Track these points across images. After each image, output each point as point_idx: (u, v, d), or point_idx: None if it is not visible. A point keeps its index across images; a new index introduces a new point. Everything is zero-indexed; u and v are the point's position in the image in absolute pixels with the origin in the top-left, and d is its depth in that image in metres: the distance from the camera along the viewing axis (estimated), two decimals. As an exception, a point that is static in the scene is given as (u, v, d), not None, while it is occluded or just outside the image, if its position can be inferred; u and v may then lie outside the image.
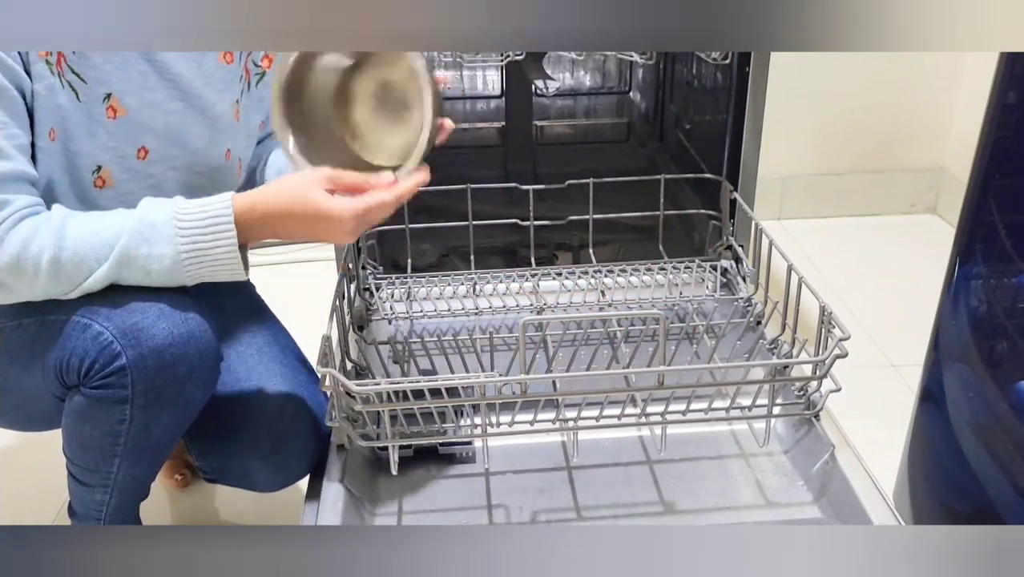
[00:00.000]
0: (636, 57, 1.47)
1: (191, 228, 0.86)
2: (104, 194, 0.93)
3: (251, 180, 1.20)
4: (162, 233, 0.85)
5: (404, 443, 1.04)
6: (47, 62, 0.85)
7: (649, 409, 1.03)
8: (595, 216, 1.40)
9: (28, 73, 0.85)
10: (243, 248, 0.89)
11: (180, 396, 0.90)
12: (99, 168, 0.92)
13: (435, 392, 0.98)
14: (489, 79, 1.97)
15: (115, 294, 0.87)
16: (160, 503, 1.32)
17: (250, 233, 0.88)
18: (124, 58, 0.91)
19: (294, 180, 0.90)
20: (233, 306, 1.14)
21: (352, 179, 0.91)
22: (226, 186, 1.05)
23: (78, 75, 0.88)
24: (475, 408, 1.02)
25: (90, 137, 0.90)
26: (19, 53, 0.84)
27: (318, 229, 0.89)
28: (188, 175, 0.99)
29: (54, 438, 0.97)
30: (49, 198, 0.89)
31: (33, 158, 0.87)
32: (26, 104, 0.85)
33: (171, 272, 0.87)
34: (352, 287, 1.30)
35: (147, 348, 0.85)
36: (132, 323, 0.85)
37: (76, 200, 0.91)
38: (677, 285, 1.41)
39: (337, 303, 1.09)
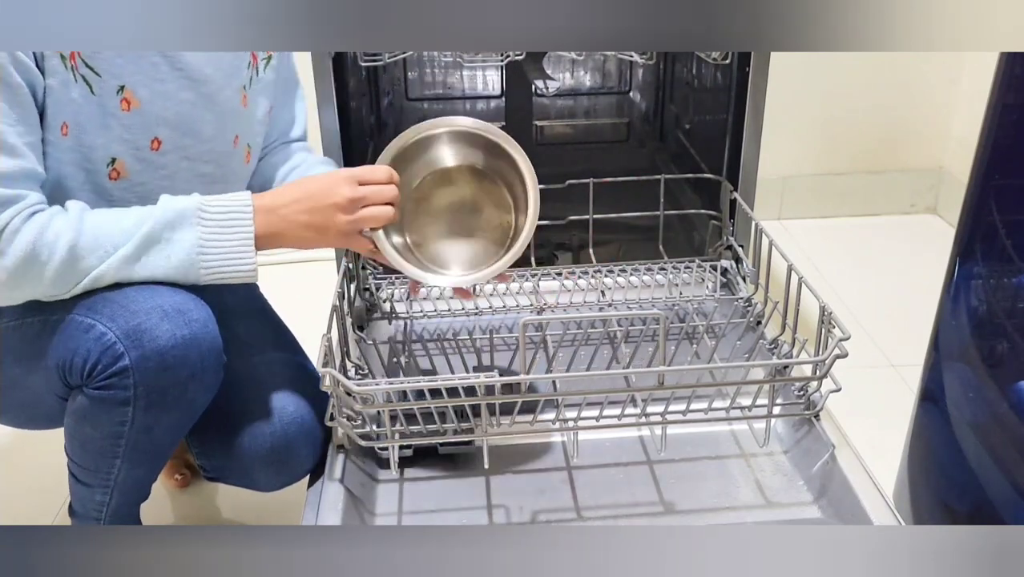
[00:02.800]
0: (636, 57, 1.46)
1: (213, 216, 0.90)
2: (118, 185, 0.93)
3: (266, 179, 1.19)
4: (186, 220, 0.89)
5: (404, 443, 1.04)
6: (61, 57, 0.86)
7: (649, 409, 1.03)
8: (595, 216, 1.40)
9: (41, 69, 0.85)
10: (258, 239, 0.93)
11: (182, 398, 0.91)
12: (113, 160, 0.92)
13: (435, 392, 0.98)
14: (489, 79, 1.97)
15: (119, 295, 0.88)
16: (160, 503, 1.32)
17: (267, 222, 0.94)
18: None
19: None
20: (236, 304, 1.14)
21: (377, 176, 0.99)
22: (235, 173, 1.05)
23: (92, 69, 0.88)
24: (475, 408, 1.02)
25: (104, 130, 0.91)
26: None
27: (316, 195, 0.95)
28: (199, 164, 1.00)
29: (55, 437, 0.97)
30: (61, 192, 0.90)
31: (43, 154, 0.88)
32: (38, 100, 0.86)
33: (190, 260, 0.89)
34: (352, 287, 1.30)
35: (150, 349, 0.86)
36: (135, 324, 0.85)
37: (90, 192, 0.92)
38: (677, 285, 1.41)
39: (337, 303, 1.09)
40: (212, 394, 0.95)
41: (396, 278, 1.41)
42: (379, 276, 1.41)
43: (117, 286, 0.88)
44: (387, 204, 0.99)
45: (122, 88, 0.91)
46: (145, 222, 0.88)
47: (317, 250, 1.17)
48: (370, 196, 0.97)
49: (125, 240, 0.87)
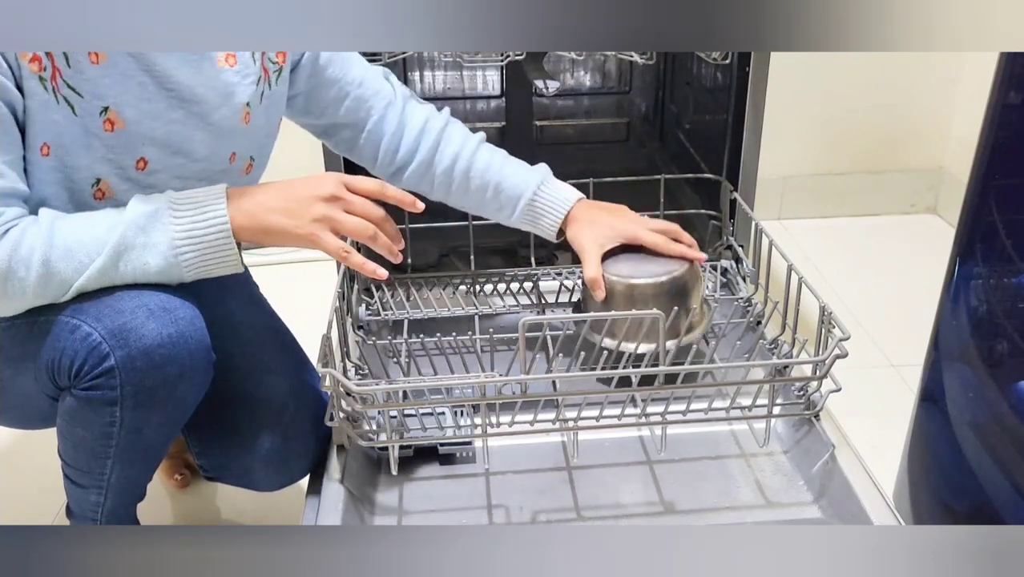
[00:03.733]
0: (636, 57, 1.46)
1: (184, 213, 0.87)
2: (105, 205, 0.92)
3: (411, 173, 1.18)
4: (157, 220, 0.87)
5: (404, 443, 1.04)
6: (40, 79, 0.84)
7: (649, 409, 1.03)
8: (595, 216, 1.40)
9: (21, 90, 0.84)
10: (236, 233, 0.89)
11: (171, 397, 0.90)
12: (98, 180, 0.91)
13: (435, 392, 0.98)
14: (489, 79, 1.97)
15: (105, 295, 0.87)
16: (160, 503, 1.32)
17: (240, 208, 0.89)
18: (123, 71, 0.90)
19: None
20: (236, 304, 1.14)
21: (367, 185, 0.93)
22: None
23: (74, 89, 0.87)
24: (475, 408, 1.02)
25: (87, 150, 0.89)
26: (10, 69, 0.83)
27: (297, 185, 0.91)
28: (192, 182, 0.98)
29: (54, 439, 0.97)
30: None
31: (24, 172, 0.87)
32: (19, 121, 0.85)
33: (168, 261, 0.87)
34: (352, 287, 1.29)
35: (136, 349, 0.85)
36: (120, 324, 0.85)
37: (76, 212, 0.91)
38: (677, 285, 1.40)
39: (337, 303, 1.09)
40: (202, 392, 0.94)
41: (396, 278, 1.41)
42: (379, 276, 1.41)
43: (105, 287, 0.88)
44: (370, 221, 0.92)
45: (105, 109, 0.89)
46: (116, 228, 0.86)
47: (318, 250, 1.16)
48: (353, 204, 0.91)
49: (99, 248, 0.85)
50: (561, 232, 1.19)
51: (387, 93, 1.17)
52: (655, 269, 1.14)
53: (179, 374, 0.88)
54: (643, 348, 1.05)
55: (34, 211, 0.88)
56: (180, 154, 0.97)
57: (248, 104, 1.02)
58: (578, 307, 1.26)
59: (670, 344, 1.00)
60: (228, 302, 1.11)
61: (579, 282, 1.40)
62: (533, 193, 1.16)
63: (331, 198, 0.90)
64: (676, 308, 1.11)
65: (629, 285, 1.13)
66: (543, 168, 1.20)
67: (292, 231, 0.90)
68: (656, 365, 0.97)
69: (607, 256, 1.16)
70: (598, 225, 1.17)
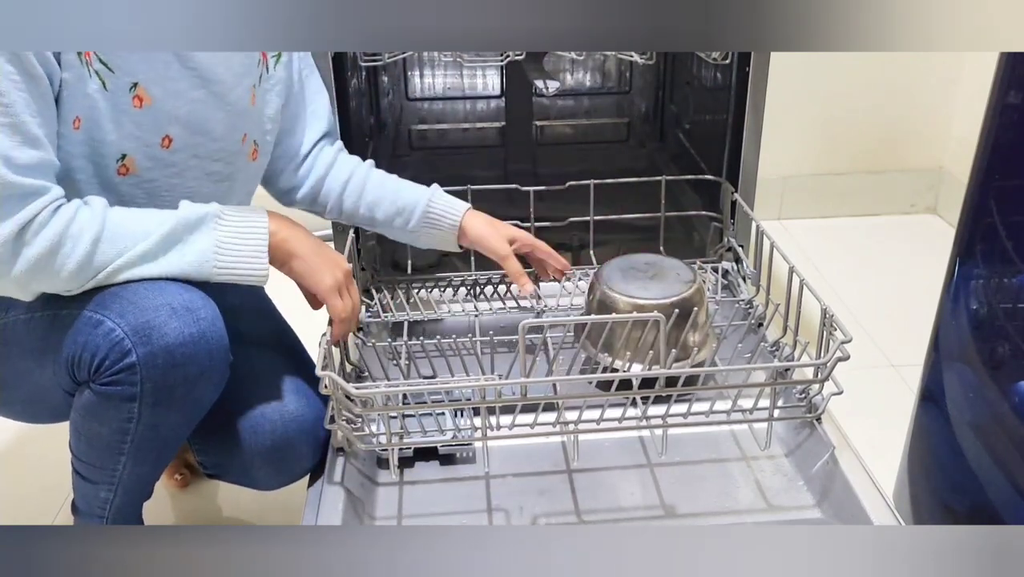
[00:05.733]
0: (636, 57, 1.47)
1: (231, 219, 0.93)
2: (126, 181, 0.94)
3: (306, 186, 1.22)
4: (206, 223, 0.92)
5: (403, 445, 1.04)
6: (77, 52, 0.86)
7: (650, 412, 1.03)
8: (595, 217, 1.40)
9: (59, 61, 0.86)
10: (271, 247, 0.95)
11: (189, 395, 0.91)
12: (123, 156, 0.93)
13: (434, 395, 0.98)
14: (489, 79, 1.97)
15: (128, 292, 0.88)
16: (161, 502, 1.32)
17: (278, 227, 0.97)
18: None
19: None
20: (240, 303, 1.14)
21: (355, 290, 1.05)
22: (241, 171, 1.07)
23: (106, 64, 0.89)
24: (475, 411, 1.02)
25: (116, 126, 0.91)
26: None
27: (324, 248, 1.01)
28: (208, 162, 1.01)
29: (55, 437, 0.97)
30: (68, 184, 0.90)
31: None
32: (55, 92, 0.86)
33: (204, 257, 0.91)
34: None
35: (158, 346, 0.86)
36: (144, 321, 0.86)
37: (98, 186, 0.93)
38: (677, 285, 1.40)
39: (337, 304, 1.09)
40: (219, 392, 0.96)
41: (395, 279, 1.41)
42: (379, 277, 1.41)
43: (126, 283, 0.89)
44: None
45: (135, 85, 0.91)
46: (166, 223, 0.89)
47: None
48: (351, 290, 1.04)
49: (145, 238, 0.88)
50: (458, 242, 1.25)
51: (321, 128, 1.22)
52: (662, 291, 1.15)
53: (199, 373, 0.89)
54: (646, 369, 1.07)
55: (60, 183, 0.89)
56: (200, 133, 0.99)
57: (254, 85, 1.05)
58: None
59: (677, 366, 1.00)
60: (232, 300, 1.11)
61: (580, 285, 1.41)
62: (428, 200, 1.21)
63: (346, 275, 1.03)
64: (682, 329, 1.11)
65: (636, 305, 1.13)
66: (434, 185, 1.26)
67: (316, 272, 1.00)
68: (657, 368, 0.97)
69: (614, 276, 1.18)
70: (498, 226, 1.25)
